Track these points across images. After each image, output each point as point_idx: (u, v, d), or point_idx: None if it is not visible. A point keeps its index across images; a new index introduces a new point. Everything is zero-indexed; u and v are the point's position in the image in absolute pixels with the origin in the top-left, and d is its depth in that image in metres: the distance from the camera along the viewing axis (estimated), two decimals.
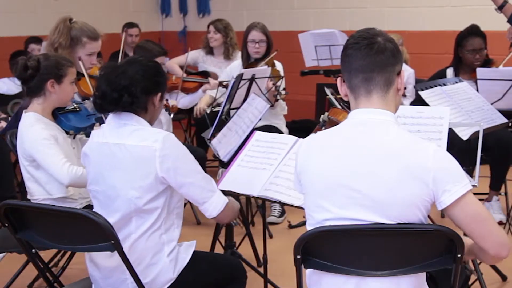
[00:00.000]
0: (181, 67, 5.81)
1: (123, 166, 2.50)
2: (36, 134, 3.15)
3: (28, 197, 3.31)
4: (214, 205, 2.54)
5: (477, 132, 2.97)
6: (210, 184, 2.55)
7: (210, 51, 6.02)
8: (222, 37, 5.90)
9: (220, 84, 4.88)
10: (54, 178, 3.14)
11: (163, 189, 2.49)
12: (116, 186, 2.51)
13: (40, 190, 3.24)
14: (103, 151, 2.55)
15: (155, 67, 2.62)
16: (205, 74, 5.66)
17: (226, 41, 5.91)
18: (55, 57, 3.33)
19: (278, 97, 4.84)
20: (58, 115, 3.31)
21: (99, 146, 2.58)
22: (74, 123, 3.33)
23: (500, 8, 4.17)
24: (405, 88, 4.81)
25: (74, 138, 3.34)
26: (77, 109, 3.41)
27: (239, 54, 5.57)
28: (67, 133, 3.30)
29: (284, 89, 4.92)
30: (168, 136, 2.50)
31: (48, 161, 3.12)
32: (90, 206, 3.19)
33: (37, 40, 6.17)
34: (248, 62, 5.07)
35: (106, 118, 2.73)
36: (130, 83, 2.51)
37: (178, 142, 2.53)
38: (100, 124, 3.17)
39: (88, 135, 3.39)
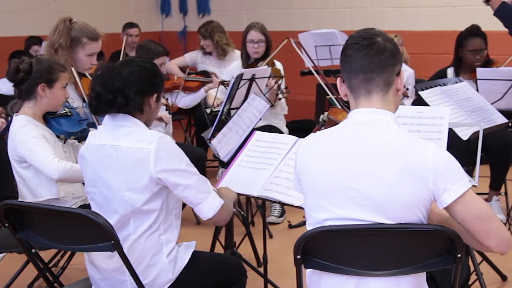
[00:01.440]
0: (181, 68, 5.83)
1: (119, 168, 2.49)
2: (26, 134, 3.15)
3: (20, 199, 3.30)
4: (209, 206, 2.52)
5: (477, 132, 2.97)
6: (205, 186, 2.54)
7: (208, 52, 6.06)
8: (210, 42, 5.96)
9: (222, 83, 4.88)
10: (44, 173, 3.12)
11: (158, 190, 2.49)
12: (112, 187, 2.51)
13: (32, 192, 3.23)
14: (100, 153, 2.55)
15: (151, 68, 2.60)
16: (205, 74, 5.66)
17: (216, 45, 5.96)
18: (48, 61, 3.32)
19: (281, 95, 4.84)
20: (49, 119, 3.31)
21: (95, 148, 2.57)
22: (65, 127, 3.33)
23: (487, 0, 4.18)
24: (407, 89, 4.81)
25: (65, 142, 3.33)
26: (69, 114, 3.40)
27: (235, 53, 5.58)
28: (58, 137, 3.30)
29: (286, 87, 4.92)
30: (163, 137, 2.49)
31: (37, 157, 3.11)
32: (84, 206, 3.20)
33: (39, 40, 6.17)
34: (248, 62, 5.07)
35: (100, 121, 2.72)
36: (124, 85, 2.49)
37: (173, 143, 2.52)
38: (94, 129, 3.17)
39: (79, 140, 3.38)
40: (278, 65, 5.09)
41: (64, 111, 3.39)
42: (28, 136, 3.14)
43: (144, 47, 4.72)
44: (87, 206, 2.70)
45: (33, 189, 3.22)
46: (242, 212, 2.96)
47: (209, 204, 2.52)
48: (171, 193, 2.52)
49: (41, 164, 3.10)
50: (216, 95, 4.86)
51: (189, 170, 2.51)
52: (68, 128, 3.33)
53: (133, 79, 2.51)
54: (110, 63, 2.74)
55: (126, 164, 2.48)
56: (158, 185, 2.48)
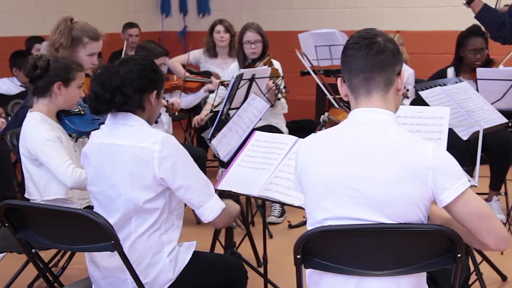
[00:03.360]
0: (183, 66, 5.82)
1: (122, 167, 2.49)
2: (41, 134, 3.15)
3: (26, 195, 3.30)
4: (210, 209, 2.52)
5: (477, 132, 2.97)
6: (207, 188, 2.54)
7: (213, 53, 6.02)
8: (230, 36, 5.93)
9: (222, 83, 4.88)
10: (58, 180, 3.13)
11: (161, 190, 2.49)
12: (115, 186, 2.51)
13: (39, 190, 3.23)
14: (103, 152, 2.55)
15: (149, 65, 2.60)
16: (207, 74, 5.66)
17: (232, 40, 5.94)
18: (65, 59, 3.32)
19: (280, 95, 4.84)
20: (62, 117, 3.31)
21: (98, 147, 2.58)
22: (78, 126, 3.33)
23: (469, 2, 4.17)
24: (407, 90, 4.82)
25: (76, 141, 3.33)
26: (82, 113, 3.40)
27: None
28: (70, 135, 3.30)
29: (284, 87, 4.92)
30: (168, 138, 2.50)
31: (52, 163, 3.11)
32: (90, 207, 3.20)
33: (41, 40, 6.17)
34: (245, 63, 5.07)
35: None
36: (122, 83, 2.49)
37: (178, 144, 2.52)
38: None
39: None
40: (276, 64, 5.08)
41: (78, 110, 3.39)
42: (43, 138, 3.14)
43: (143, 48, 4.72)
44: (92, 207, 2.70)
45: (42, 187, 3.22)
46: (242, 228, 3.01)
47: (210, 207, 2.52)
48: (174, 193, 2.52)
49: (57, 170, 3.11)
50: (214, 100, 4.85)
51: (193, 171, 2.51)
52: (81, 127, 3.33)
53: (131, 77, 2.51)
54: (108, 63, 2.74)
55: (129, 162, 2.48)
56: (161, 186, 2.48)
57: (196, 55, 6.11)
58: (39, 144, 3.14)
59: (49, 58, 3.24)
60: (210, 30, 6.01)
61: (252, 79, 4.37)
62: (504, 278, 3.79)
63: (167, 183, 2.47)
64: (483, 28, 4.79)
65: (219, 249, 3.72)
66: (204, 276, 2.62)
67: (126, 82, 2.50)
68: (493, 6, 4.27)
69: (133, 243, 2.51)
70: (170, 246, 2.54)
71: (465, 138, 3.48)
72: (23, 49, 6.15)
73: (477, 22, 4.86)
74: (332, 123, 3.27)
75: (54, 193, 3.21)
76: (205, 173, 4.11)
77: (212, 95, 5.08)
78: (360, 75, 2.10)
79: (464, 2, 4.16)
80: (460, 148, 3.28)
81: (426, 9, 6.94)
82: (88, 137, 3.36)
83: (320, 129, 3.34)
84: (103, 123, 3.27)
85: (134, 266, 2.43)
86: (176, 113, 4.75)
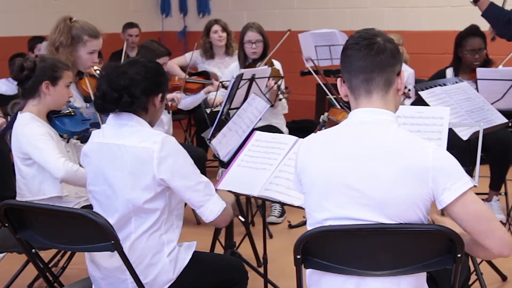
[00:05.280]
0: (181, 68, 5.81)
1: (122, 167, 2.50)
2: (32, 131, 3.16)
3: (18, 198, 3.30)
4: (210, 209, 2.53)
5: (477, 132, 2.97)
6: (208, 188, 2.54)
7: (210, 55, 6.01)
8: (226, 35, 5.93)
9: (223, 85, 4.88)
10: (49, 172, 3.12)
11: (160, 190, 2.49)
12: (115, 186, 2.51)
13: (32, 190, 3.23)
14: (103, 151, 2.56)
15: (156, 68, 2.63)
16: (205, 75, 5.66)
17: (229, 39, 5.94)
18: (52, 59, 3.34)
19: (281, 96, 4.84)
20: (52, 118, 3.32)
21: (99, 147, 2.58)
22: (69, 127, 3.34)
23: (476, 1, 4.18)
24: (409, 90, 4.82)
25: (68, 142, 3.34)
26: (72, 114, 3.41)
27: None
28: (61, 136, 3.30)
29: (286, 87, 4.92)
30: (168, 138, 2.50)
31: (43, 155, 3.12)
32: (87, 206, 3.20)
33: (43, 40, 6.17)
34: (246, 63, 5.07)
35: (103, 122, 2.73)
36: (130, 84, 2.51)
37: (177, 144, 2.52)
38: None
39: (82, 140, 3.39)
40: (277, 64, 5.08)
41: (68, 111, 3.40)
42: (34, 133, 3.15)
43: (146, 47, 4.73)
44: (90, 206, 2.71)
45: (36, 187, 3.22)
46: (243, 219, 2.99)
47: (210, 207, 2.53)
48: (174, 193, 2.53)
49: (47, 162, 3.11)
50: (215, 97, 4.85)
51: (192, 171, 2.52)
52: (71, 128, 3.34)
53: (139, 79, 2.53)
54: (115, 62, 2.75)
55: (130, 162, 2.48)
56: (161, 186, 2.48)
57: (193, 56, 6.11)
58: (31, 139, 3.14)
59: (35, 59, 3.25)
60: (206, 31, 6.00)
61: (252, 79, 4.37)
62: (504, 278, 3.79)
63: (166, 183, 2.48)
64: (481, 28, 4.80)
65: (219, 249, 3.72)
66: (204, 276, 2.63)
67: (134, 83, 2.51)
68: (500, 5, 4.29)
69: (133, 243, 2.51)
70: (170, 246, 2.55)
71: (465, 138, 3.48)
72: (24, 52, 6.15)
73: (476, 22, 4.87)
74: (332, 123, 3.27)
75: (48, 192, 3.21)
76: (205, 173, 4.11)
77: (211, 96, 5.08)
78: (360, 75, 2.10)
79: (471, 0, 4.18)
80: (460, 148, 3.28)
81: (426, 9, 6.94)
82: (79, 138, 3.38)
83: (320, 129, 3.34)
84: (97, 123, 3.29)
85: (134, 266, 2.43)
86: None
